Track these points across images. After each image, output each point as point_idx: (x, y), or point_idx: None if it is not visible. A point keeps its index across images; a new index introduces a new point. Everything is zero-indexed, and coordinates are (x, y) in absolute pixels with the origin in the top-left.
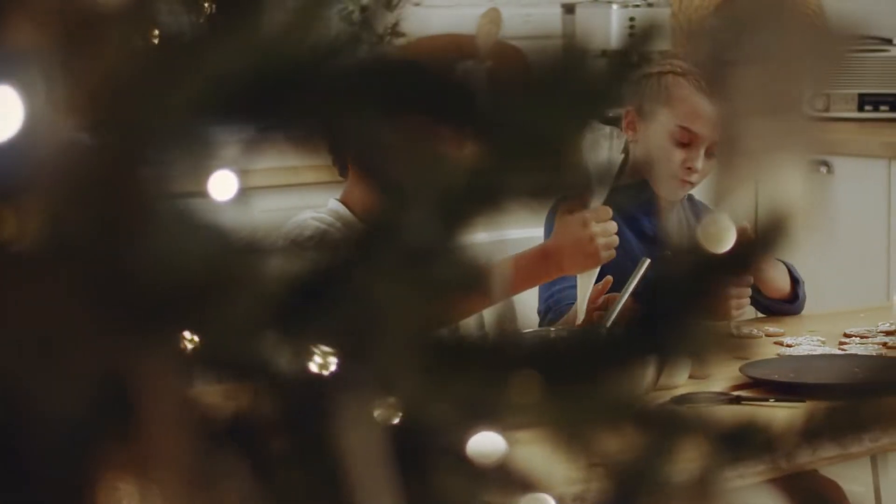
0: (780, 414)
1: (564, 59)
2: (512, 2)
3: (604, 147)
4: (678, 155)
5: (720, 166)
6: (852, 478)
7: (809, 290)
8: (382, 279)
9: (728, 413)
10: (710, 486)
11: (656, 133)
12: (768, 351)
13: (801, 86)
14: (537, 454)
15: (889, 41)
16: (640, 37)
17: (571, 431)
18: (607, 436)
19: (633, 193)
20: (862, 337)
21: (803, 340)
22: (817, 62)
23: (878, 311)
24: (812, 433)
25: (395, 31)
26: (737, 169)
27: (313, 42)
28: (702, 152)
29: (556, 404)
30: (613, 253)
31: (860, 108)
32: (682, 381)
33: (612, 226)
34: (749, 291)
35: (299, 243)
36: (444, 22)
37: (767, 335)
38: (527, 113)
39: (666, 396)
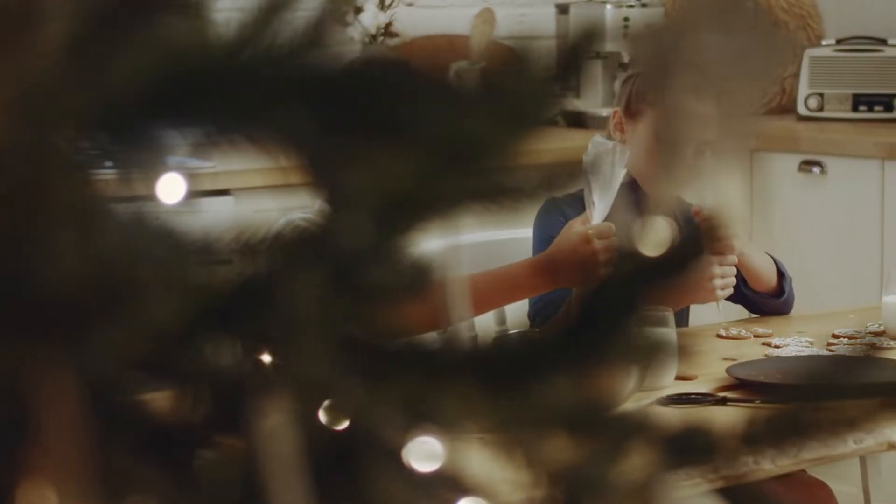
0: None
1: (503, 65)
2: (506, 2)
3: (607, 161)
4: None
5: (660, 167)
6: (842, 478)
7: (803, 290)
8: (306, 283)
9: (673, 417)
10: (654, 492)
11: (644, 133)
12: (756, 352)
13: (744, 86)
14: (481, 460)
15: (884, 41)
16: (579, 40)
17: (512, 436)
18: (550, 441)
19: (623, 192)
20: (850, 338)
21: (791, 341)
22: (760, 63)
23: (868, 312)
24: (753, 438)
25: (388, 31)
26: (678, 169)
27: (248, 45)
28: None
29: (496, 409)
30: (611, 272)
31: (854, 109)
32: (668, 382)
33: (614, 243)
34: (734, 271)
35: (234, 246)
36: (438, 22)
37: (756, 336)
38: (462, 119)
39: (651, 397)
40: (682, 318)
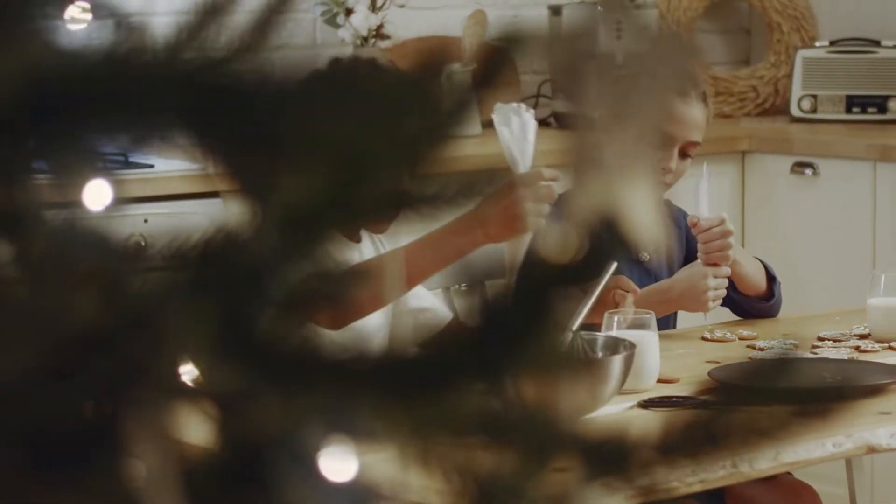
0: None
1: (412, 74)
2: (499, 3)
3: (514, 119)
4: None
5: (573, 176)
6: (828, 479)
7: (795, 291)
8: (214, 294)
9: (597, 426)
10: (574, 500)
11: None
12: (740, 354)
13: (650, 98)
14: (394, 469)
15: (877, 43)
16: (498, 51)
17: (426, 444)
18: (464, 449)
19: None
20: (835, 340)
21: (775, 344)
22: (667, 74)
23: (854, 314)
24: (668, 448)
25: (379, 33)
26: (589, 177)
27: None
28: (675, 152)
29: (408, 417)
30: (543, 221)
31: (848, 110)
32: (650, 385)
33: (546, 189)
34: (726, 283)
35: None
36: (430, 24)
37: (741, 338)
38: (376, 130)
39: (632, 400)
40: (668, 320)
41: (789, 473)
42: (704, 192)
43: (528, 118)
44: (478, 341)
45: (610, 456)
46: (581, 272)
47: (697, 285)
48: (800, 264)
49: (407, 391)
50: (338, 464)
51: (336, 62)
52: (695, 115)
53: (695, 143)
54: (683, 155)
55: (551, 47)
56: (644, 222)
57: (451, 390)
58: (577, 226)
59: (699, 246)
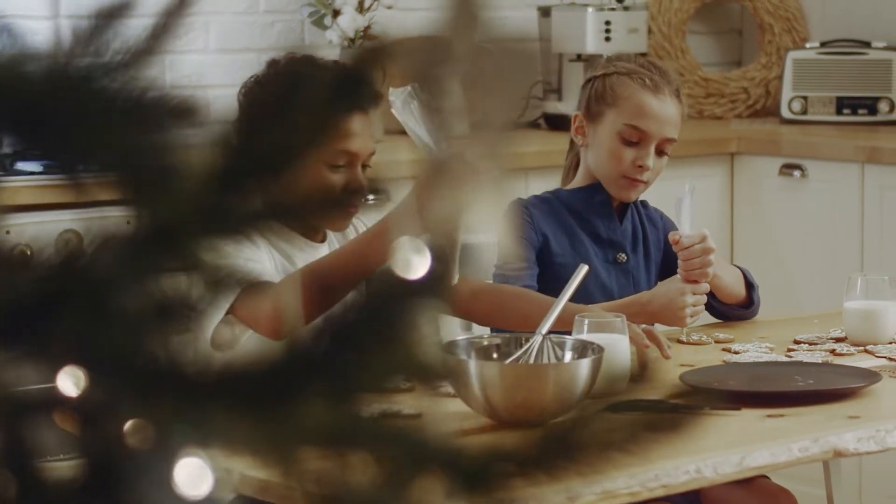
0: (714, 423)
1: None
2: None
3: (408, 104)
4: (628, 154)
5: (421, 184)
6: (807, 480)
7: (783, 292)
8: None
9: (460, 441)
10: None
11: (605, 134)
12: (716, 357)
13: (493, 106)
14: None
15: (867, 44)
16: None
17: (280, 455)
18: (318, 459)
19: (587, 196)
20: (811, 344)
21: (751, 347)
22: (504, 85)
23: (833, 318)
24: (525, 461)
25: (367, 34)
26: (438, 186)
27: None
28: (651, 150)
29: (257, 428)
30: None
31: (838, 112)
32: (621, 388)
33: (470, 168)
34: (704, 299)
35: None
36: (419, 25)
37: (717, 341)
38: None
39: (602, 404)
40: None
41: (767, 477)
42: (687, 211)
43: (420, 100)
44: (322, 354)
45: (469, 470)
46: (425, 285)
47: (675, 301)
48: (788, 266)
49: (253, 403)
50: (193, 475)
51: (273, 63)
52: (669, 112)
53: (670, 140)
54: (660, 152)
55: (413, 53)
56: (490, 234)
57: (295, 402)
58: (423, 239)
59: (679, 262)
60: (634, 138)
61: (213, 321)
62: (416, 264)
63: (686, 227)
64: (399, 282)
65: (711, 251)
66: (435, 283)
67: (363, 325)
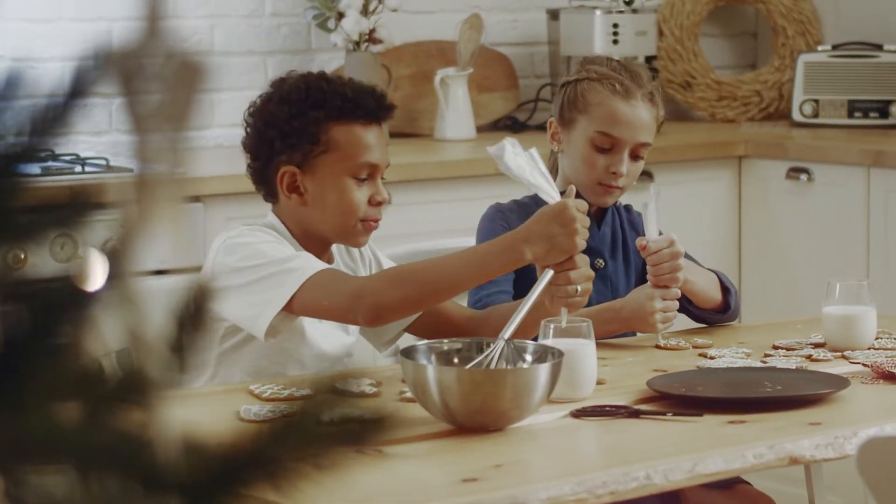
0: (675, 428)
1: None
2: (497, 7)
3: (510, 155)
4: (601, 161)
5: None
6: (790, 480)
7: (788, 296)
8: None
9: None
10: None
11: (578, 141)
12: (691, 363)
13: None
14: None
15: (879, 47)
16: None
17: None
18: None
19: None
20: (788, 349)
21: (727, 353)
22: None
23: (814, 323)
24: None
25: (371, 38)
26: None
27: None
28: (625, 156)
29: None
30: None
31: (850, 115)
32: (586, 394)
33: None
34: (676, 304)
35: None
36: (424, 28)
37: (695, 346)
38: None
39: (565, 410)
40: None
41: (748, 483)
42: (653, 215)
43: (531, 151)
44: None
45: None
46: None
47: (645, 307)
48: (795, 269)
49: None
50: None
51: (279, 82)
52: (641, 116)
53: (644, 145)
54: (635, 157)
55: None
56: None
57: None
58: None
59: (648, 268)
60: (606, 145)
61: (271, 314)
62: (93, 275)
63: (653, 231)
64: (74, 293)
65: (680, 255)
66: (110, 295)
67: (30, 338)
